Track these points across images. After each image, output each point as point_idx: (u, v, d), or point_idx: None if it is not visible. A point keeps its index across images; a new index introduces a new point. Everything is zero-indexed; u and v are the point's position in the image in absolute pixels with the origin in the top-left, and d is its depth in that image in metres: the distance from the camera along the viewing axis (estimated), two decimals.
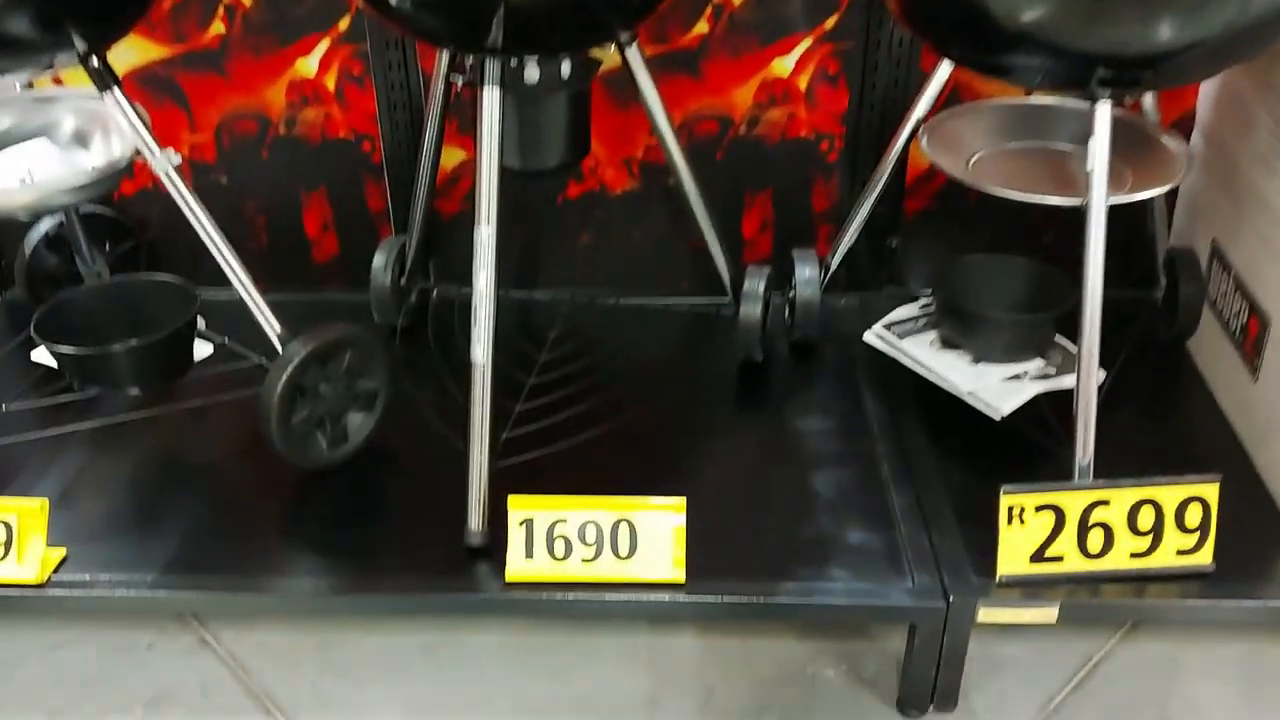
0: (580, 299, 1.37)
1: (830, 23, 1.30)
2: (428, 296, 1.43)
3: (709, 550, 1.02)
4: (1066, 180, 1.16)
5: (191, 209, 1.07)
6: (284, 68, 1.34)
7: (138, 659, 1.11)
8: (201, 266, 1.43)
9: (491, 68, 1.00)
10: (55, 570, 1.01)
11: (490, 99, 1.00)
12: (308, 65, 1.33)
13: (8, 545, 0.99)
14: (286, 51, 1.32)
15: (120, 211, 1.42)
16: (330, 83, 1.34)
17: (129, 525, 1.08)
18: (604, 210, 1.42)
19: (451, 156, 1.39)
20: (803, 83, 1.33)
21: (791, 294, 1.34)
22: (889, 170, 1.25)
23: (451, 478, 1.07)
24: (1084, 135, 1.21)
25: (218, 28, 1.31)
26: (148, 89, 1.34)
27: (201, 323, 1.27)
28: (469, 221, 1.44)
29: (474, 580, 1.01)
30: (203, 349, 1.24)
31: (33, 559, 0.99)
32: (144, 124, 1.04)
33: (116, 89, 1.01)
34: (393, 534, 1.08)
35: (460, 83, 1.09)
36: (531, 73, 1.04)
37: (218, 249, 1.09)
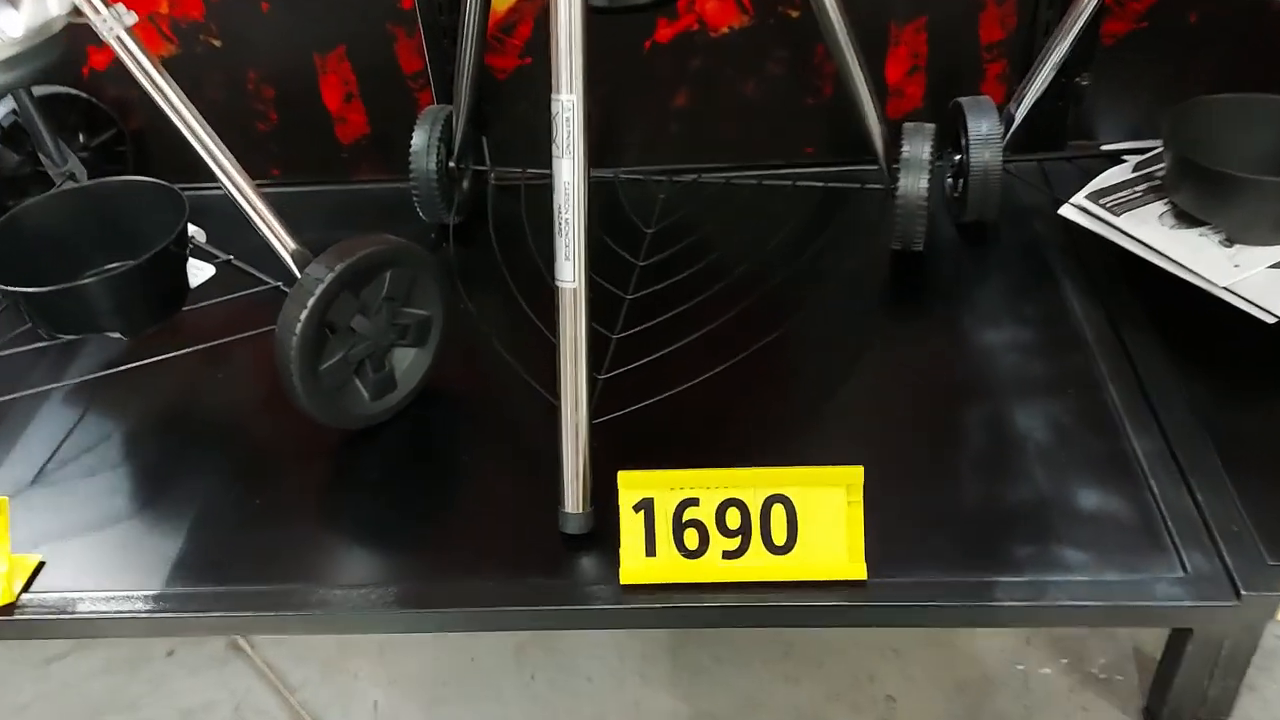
0: (681, 178, 1.06)
1: None
2: (484, 182, 1.13)
3: (888, 526, 0.75)
4: None
5: (155, 84, 0.77)
6: None
7: (154, 672, 0.89)
8: (201, 160, 1.16)
9: None
10: (29, 583, 0.77)
11: None
12: None
13: None
14: None
15: (94, 92, 1.13)
16: None
17: (124, 514, 0.83)
18: (705, 56, 1.09)
19: None
20: None
21: (960, 158, 1.02)
22: None
23: (535, 429, 0.81)
24: None
25: None
26: None
27: (201, 235, 1.00)
28: (530, 82, 1.15)
29: (577, 583, 0.75)
30: (203, 270, 0.97)
31: None
32: None
33: None
34: (465, 513, 0.82)
35: None
36: None
37: (198, 139, 0.80)
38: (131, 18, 0.75)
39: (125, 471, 0.86)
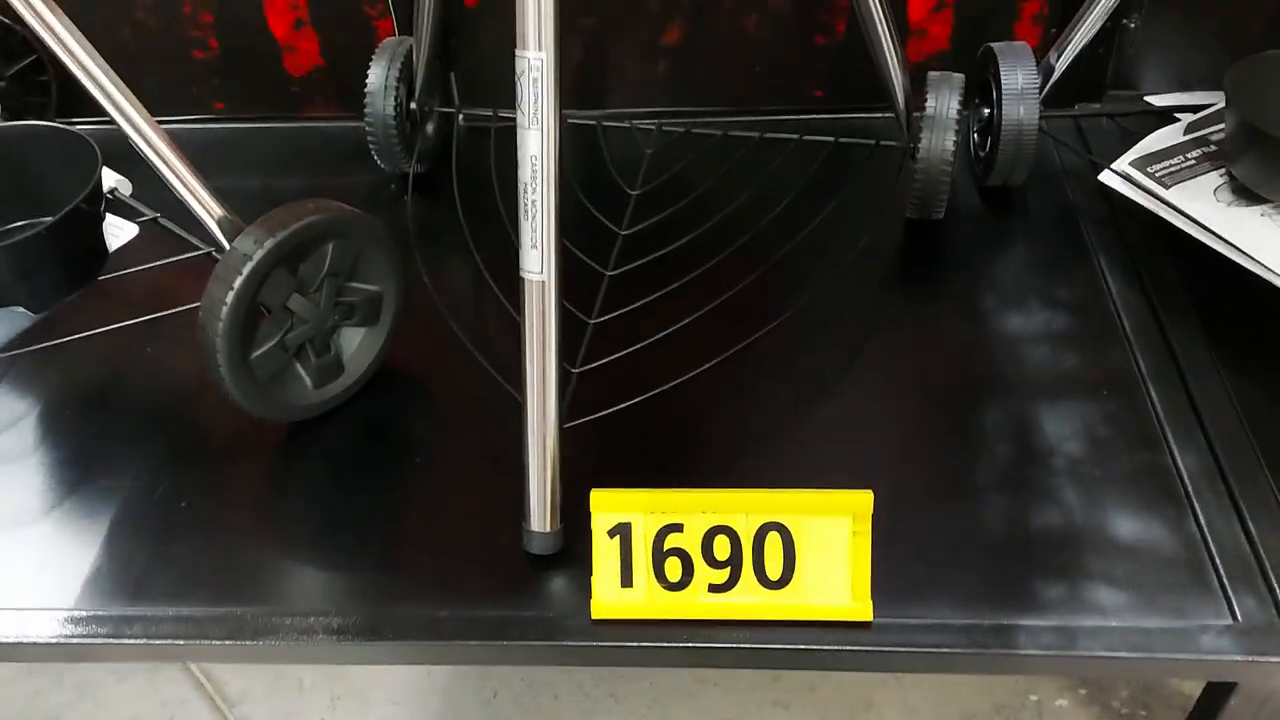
0: (671, 128, 0.94)
1: None
2: (450, 124, 1.01)
3: (896, 552, 0.66)
4: None
5: (43, 20, 0.65)
6: None
7: (80, 679, 0.80)
8: (138, 87, 1.04)
9: None
10: None
11: None
12: None
13: None
14: None
15: (7, 13, 0.99)
16: None
17: (31, 518, 0.73)
18: None
19: None
20: None
21: (990, 113, 0.90)
22: None
23: (503, 422, 0.71)
24: None
25: None
26: None
27: (125, 186, 0.88)
28: (505, 9, 1.02)
29: (543, 614, 0.66)
30: (124, 230, 0.85)
31: None
32: None
33: None
34: (421, 524, 0.72)
35: None
36: None
37: (102, 90, 0.67)
38: None
39: (32, 466, 0.76)
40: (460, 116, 1.01)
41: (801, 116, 1.01)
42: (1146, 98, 1.00)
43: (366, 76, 0.93)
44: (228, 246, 0.71)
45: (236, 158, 1.03)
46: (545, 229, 0.62)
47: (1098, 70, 0.99)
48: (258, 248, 0.69)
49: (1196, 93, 0.98)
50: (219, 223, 0.72)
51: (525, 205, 0.62)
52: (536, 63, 0.59)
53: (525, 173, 0.61)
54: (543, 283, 0.63)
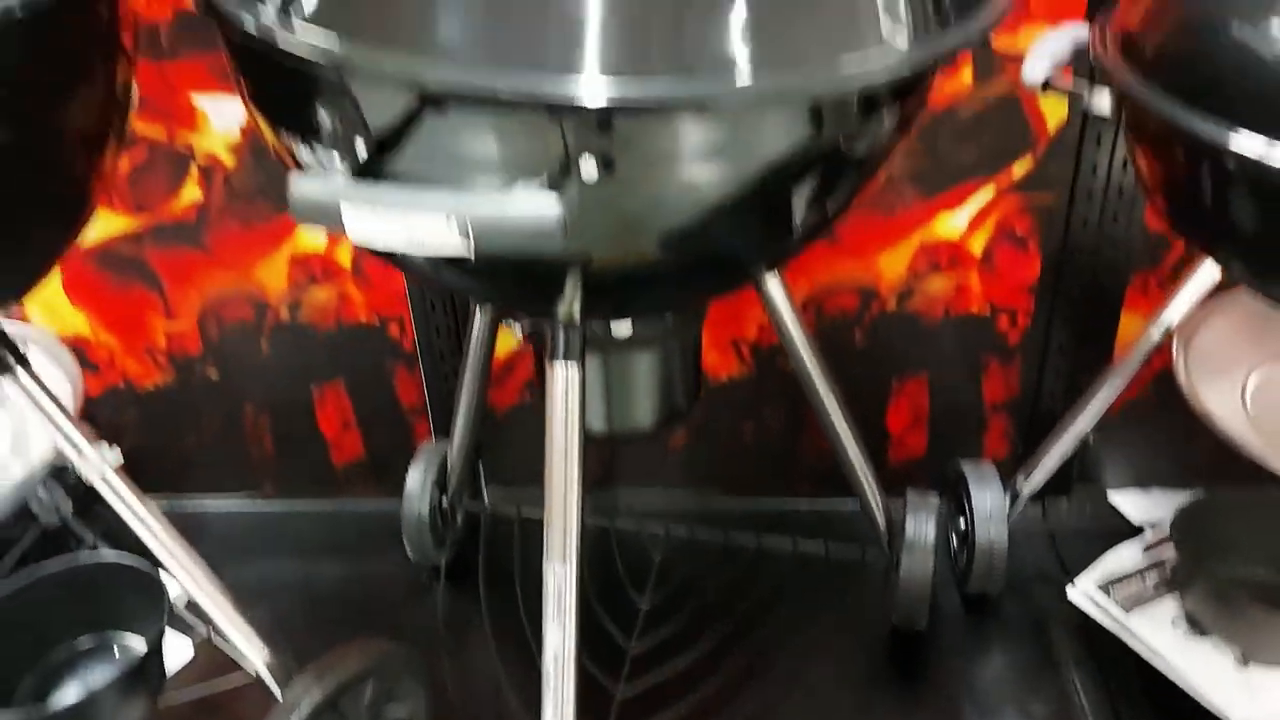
0: (677, 532, 1.03)
1: (1020, 168, 0.94)
2: (479, 516, 1.11)
3: None
4: None
5: (145, 523, 0.75)
6: (281, 238, 1.01)
7: None
8: (194, 475, 1.15)
9: (567, 337, 0.66)
10: None
11: (565, 379, 0.67)
12: (313, 236, 1.01)
13: None
14: (283, 219, 1.00)
15: (87, 416, 1.12)
16: (344, 256, 1.02)
17: None
18: (705, 401, 1.08)
19: (506, 340, 1.06)
20: (977, 245, 0.98)
21: (965, 527, 0.99)
22: (1127, 377, 0.90)
23: None
24: None
25: (192, 193, 0.98)
26: (108, 269, 1.03)
27: (182, 599, 0.96)
28: (530, 419, 1.14)
29: None
30: (180, 648, 0.93)
31: None
32: (65, 409, 0.72)
33: (21, 371, 0.70)
34: None
35: (519, 334, 0.75)
36: (622, 327, 0.71)
37: (184, 568, 0.77)
38: (116, 457, 0.73)
39: None
40: (487, 510, 1.11)
41: (792, 504, 1.11)
42: (1109, 492, 1.10)
43: (406, 474, 1.03)
44: (277, 691, 0.79)
45: (281, 538, 1.13)
46: (563, 710, 0.70)
47: (1064, 473, 1.09)
48: (307, 698, 0.77)
49: (1155, 493, 1.08)
50: (269, 667, 0.80)
51: (548, 690, 0.70)
52: (561, 574, 0.69)
53: (549, 661, 0.70)
54: None
